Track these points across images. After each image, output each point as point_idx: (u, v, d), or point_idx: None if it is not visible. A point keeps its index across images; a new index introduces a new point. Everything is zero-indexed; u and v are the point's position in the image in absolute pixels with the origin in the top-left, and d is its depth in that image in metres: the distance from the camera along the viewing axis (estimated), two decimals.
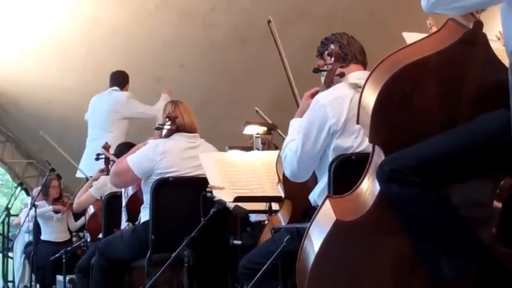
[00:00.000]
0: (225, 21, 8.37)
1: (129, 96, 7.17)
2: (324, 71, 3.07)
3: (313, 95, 3.12)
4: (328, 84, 3.07)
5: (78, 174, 7.23)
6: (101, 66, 8.36)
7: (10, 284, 8.91)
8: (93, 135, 7.12)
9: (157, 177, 4.17)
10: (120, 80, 7.22)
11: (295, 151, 2.95)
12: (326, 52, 3.09)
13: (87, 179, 6.40)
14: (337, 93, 2.93)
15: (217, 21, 8.40)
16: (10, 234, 9.44)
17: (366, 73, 2.68)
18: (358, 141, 2.88)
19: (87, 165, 6.85)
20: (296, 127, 3.07)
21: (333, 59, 3.04)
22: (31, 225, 7.60)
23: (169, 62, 8.83)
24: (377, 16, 7.86)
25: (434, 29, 2.81)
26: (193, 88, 8.73)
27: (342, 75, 3.05)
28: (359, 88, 2.60)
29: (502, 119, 2.05)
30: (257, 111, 5.27)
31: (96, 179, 5.90)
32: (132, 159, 4.29)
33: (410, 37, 2.80)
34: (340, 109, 2.87)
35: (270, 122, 5.03)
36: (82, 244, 6.76)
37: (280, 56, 4.69)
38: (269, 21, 4.83)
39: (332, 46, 3.09)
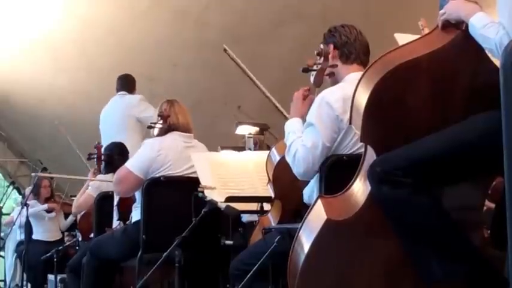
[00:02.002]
0: (218, 21, 8.36)
1: (142, 98, 6.90)
2: (314, 70, 3.04)
3: (305, 96, 3.10)
4: (318, 84, 3.04)
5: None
6: (93, 65, 8.35)
7: (1, 283, 8.89)
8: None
9: (153, 175, 4.17)
10: (128, 84, 6.95)
11: (310, 147, 2.84)
12: (318, 50, 3.05)
13: None
14: (342, 92, 2.89)
15: (210, 21, 8.38)
16: (2, 233, 9.41)
17: None
18: (355, 142, 2.86)
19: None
20: (298, 127, 2.99)
21: (322, 58, 3.02)
22: (23, 219, 7.57)
23: (162, 62, 8.82)
24: (371, 16, 7.86)
25: (426, 30, 2.80)
26: (186, 88, 8.71)
27: (332, 74, 3.03)
28: None
29: (493, 120, 2.04)
30: (239, 106, 5.25)
31: (91, 180, 5.90)
32: (130, 162, 4.30)
33: (402, 38, 2.80)
34: (346, 108, 2.78)
35: (254, 120, 5.05)
36: (73, 243, 6.73)
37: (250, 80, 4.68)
38: (225, 50, 4.78)
39: (327, 44, 3.05)
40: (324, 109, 2.87)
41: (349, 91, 2.81)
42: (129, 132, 6.67)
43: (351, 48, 3.04)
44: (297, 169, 2.93)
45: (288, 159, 2.98)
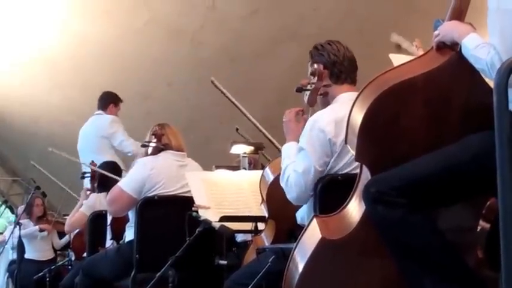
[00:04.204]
0: (214, 40, 8.38)
1: (113, 120, 6.83)
2: (307, 90, 3.04)
3: (298, 114, 3.10)
4: (312, 103, 3.04)
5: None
6: (89, 83, 8.35)
7: None
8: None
9: (146, 194, 4.15)
10: (102, 102, 6.94)
11: (302, 172, 2.85)
12: (311, 69, 3.05)
13: None
14: (334, 114, 2.89)
15: (206, 40, 8.41)
16: None
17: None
18: (350, 163, 2.85)
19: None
20: (293, 151, 2.99)
21: (316, 78, 3.02)
22: (15, 241, 7.53)
23: (157, 80, 8.83)
24: (366, 37, 7.89)
25: (421, 51, 2.81)
26: (181, 107, 8.72)
27: (326, 94, 3.03)
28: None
29: (487, 140, 2.04)
30: (237, 129, 5.26)
31: (85, 199, 5.88)
32: (123, 182, 4.29)
33: (397, 59, 2.81)
34: (338, 131, 2.82)
35: (251, 140, 5.05)
36: (66, 263, 6.70)
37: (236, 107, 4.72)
38: (212, 81, 4.83)
39: (319, 63, 3.04)
40: (315, 133, 2.87)
41: (341, 113, 2.82)
42: (102, 154, 6.64)
43: (341, 67, 3.03)
44: (290, 194, 2.94)
45: (282, 184, 2.98)
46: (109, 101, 6.95)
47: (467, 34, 2.27)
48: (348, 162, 2.85)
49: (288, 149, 3.04)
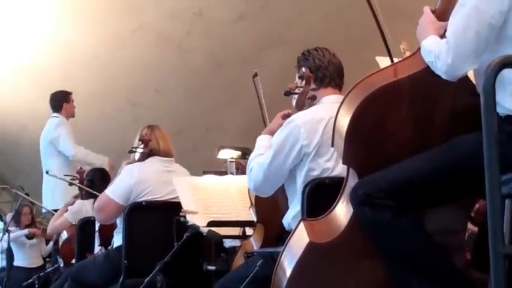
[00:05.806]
0: (201, 46, 8.39)
1: (59, 123, 6.76)
2: (295, 93, 3.06)
3: (285, 116, 3.11)
4: (300, 107, 3.06)
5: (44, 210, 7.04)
6: (77, 91, 8.29)
7: None
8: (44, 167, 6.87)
9: (133, 201, 4.14)
10: (55, 104, 6.89)
11: (262, 164, 2.93)
12: (299, 73, 3.07)
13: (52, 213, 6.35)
14: (312, 115, 2.93)
15: (193, 46, 8.41)
16: None
17: (341, 97, 2.67)
18: (330, 164, 2.86)
19: (46, 198, 6.77)
20: (264, 143, 3.06)
21: (304, 81, 3.03)
22: (4, 245, 7.50)
23: (145, 87, 8.82)
24: (352, 41, 7.91)
25: (408, 53, 2.81)
26: (169, 113, 8.71)
27: (314, 98, 3.04)
28: None
29: (475, 142, 2.04)
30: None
31: (70, 204, 5.84)
32: (110, 190, 4.26)
33: (384, 61, 2.81)
34: (314, 132, 2.86)
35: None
36: (55, 270, 6.66)
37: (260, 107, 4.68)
38: (255, 75, 4.75)
39: (305, 67, 3.06)
40: (290, 131, 2.90)
41: (319, 113, 2.88)
42: (50, 158, 6.68)
43: (325, 71, 3.06)
44: (249, 184, 3.06)
45: (246, 172, 3.08)
46: (61, 101, 6.89)
47: (427, 37, 2.28)
48: (327, 164, 2.86)
49: (260, 141, 3.12)
